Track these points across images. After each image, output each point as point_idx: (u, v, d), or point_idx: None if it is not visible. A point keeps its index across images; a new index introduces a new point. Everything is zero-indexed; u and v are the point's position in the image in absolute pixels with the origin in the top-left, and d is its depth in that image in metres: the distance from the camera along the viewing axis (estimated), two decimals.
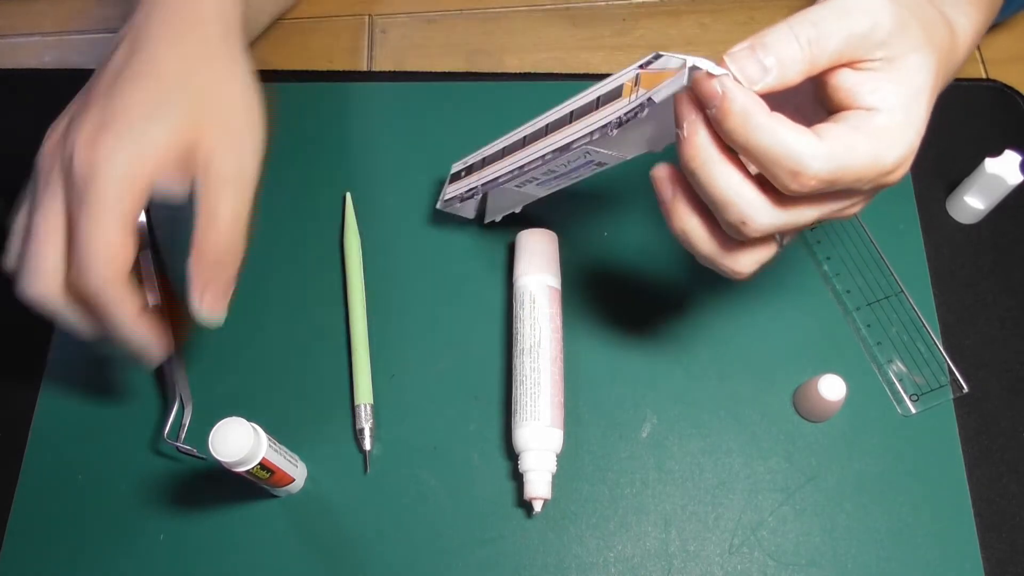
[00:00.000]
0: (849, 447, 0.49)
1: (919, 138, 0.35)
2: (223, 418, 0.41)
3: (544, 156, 0.45)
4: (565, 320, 0.51)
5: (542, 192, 0.49)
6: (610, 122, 0.40)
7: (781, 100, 0.35)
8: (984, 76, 0.61)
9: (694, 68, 0.34)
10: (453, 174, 0.54)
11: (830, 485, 0.48)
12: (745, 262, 0.38)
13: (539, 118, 0.47)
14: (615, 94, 0.41)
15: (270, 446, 0.43)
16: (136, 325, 0.41)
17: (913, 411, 0.50)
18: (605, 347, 0.52)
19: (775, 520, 0.47)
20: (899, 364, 0.51)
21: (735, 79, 0.33)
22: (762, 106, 0.33)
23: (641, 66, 0.40)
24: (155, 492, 0.49)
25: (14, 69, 0.64)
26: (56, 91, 0.62)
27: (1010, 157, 0.52)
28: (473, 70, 0.63)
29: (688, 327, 0.52)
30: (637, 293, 0.54)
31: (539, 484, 0.46)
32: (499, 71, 0.62)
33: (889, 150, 0.34)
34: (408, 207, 0.57)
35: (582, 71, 0.63)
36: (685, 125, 0.35)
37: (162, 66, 0.42)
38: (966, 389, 0.50)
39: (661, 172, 0.38)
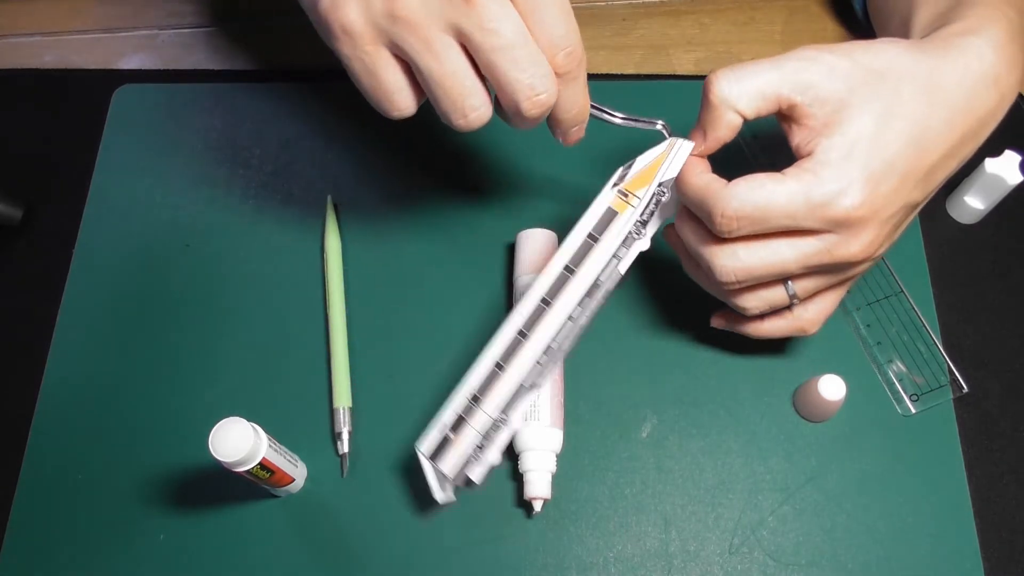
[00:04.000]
0: (849, 447, 0.49)
1: (870, 176, 0.36)
2: (223, 418, 0.41)
3: (571, 315, 0.42)
4: None
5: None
6: (635, 223, 0.42)
7: None
8: None
9: (676, 141, 0.41)
10: (430, 456, 0.42)
11: (830, 485, 0.48)
12: (750, 302, 0.42)
13: (496, 340, 0.43)
14: (607, 219, 0.42)
15: (270, 446, 0.43)
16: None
17: (913, 411, 0.50)
18: (605, 347, 0.52)
19: (775, 520, 0.47)
20: (899, 364, 0.51)
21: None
22: (698, 165, 0.40)
23: (614, 184, 0.42)
24: (155, 492, 0.49)
25: (14, 69, 0.64)
26: (56, 91, 0.63)
27: (1010, 157, 0.52)
28: None
29: (688, 327, 0.52)
30: (636, 293, 0.54)
31: (539, 484, 0.46)
32: None
33: (818, 186, 0.36)
34: (410, 208, 0.57)
35: None
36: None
37: None
38: (966, 389, 0.50)
39: (669, 231, 0.45)
